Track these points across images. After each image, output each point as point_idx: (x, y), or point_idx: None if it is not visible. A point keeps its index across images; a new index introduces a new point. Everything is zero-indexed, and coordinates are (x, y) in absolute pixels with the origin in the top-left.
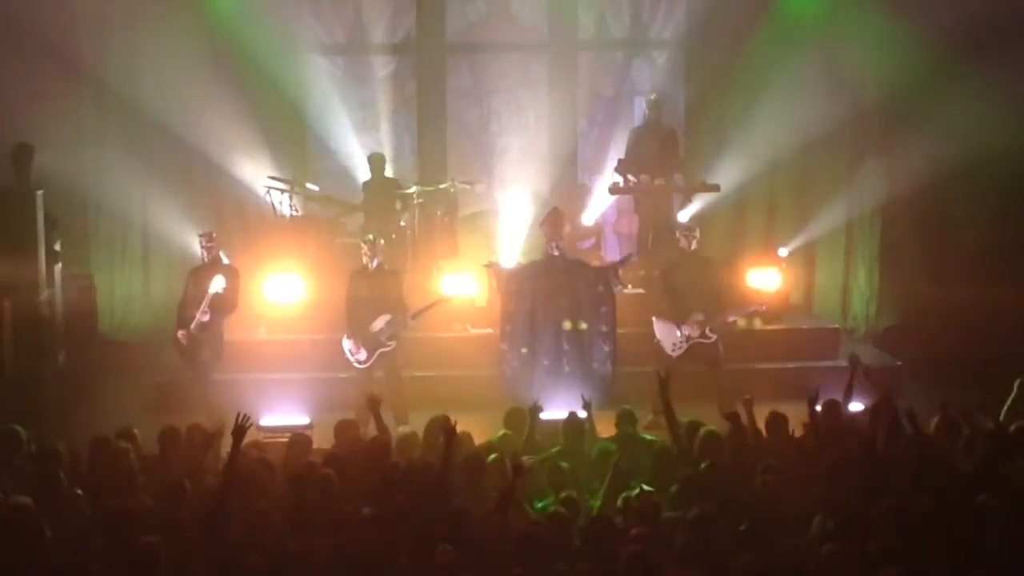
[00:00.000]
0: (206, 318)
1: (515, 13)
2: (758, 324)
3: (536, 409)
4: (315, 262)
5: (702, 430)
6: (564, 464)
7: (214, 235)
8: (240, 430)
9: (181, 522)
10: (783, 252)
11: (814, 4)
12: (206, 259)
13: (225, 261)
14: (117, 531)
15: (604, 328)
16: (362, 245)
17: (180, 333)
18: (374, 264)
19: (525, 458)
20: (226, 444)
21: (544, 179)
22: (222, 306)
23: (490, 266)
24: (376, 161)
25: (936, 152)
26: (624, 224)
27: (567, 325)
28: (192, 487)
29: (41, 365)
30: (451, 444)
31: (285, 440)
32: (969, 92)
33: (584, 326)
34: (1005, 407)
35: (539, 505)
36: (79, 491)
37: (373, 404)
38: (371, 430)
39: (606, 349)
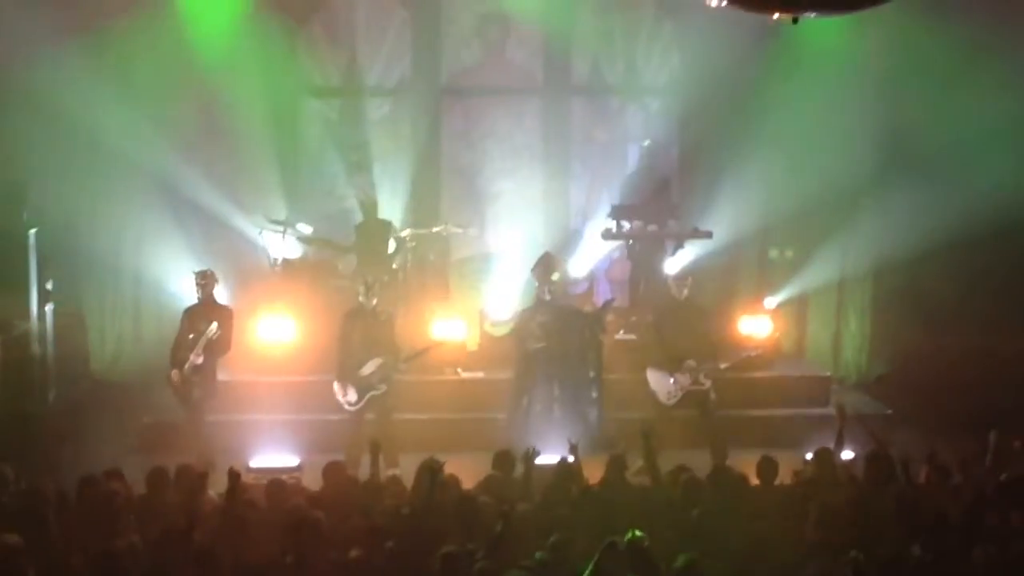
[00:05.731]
0: (200, 360)
1: (510, 58)
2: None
3: (532, 454)
4: (308, 304)
5: (683, 476)
6: (552, 510)
7: (208, 274)
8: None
9: (169, 565)
10: (770, 303)
11: (808, 54)
12: (200, 298)
13: (220, 301)
14: (102, 573)
15: (591, 374)
16: (360, 286)
17: (173, 373)
18: (372, 303)
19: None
20: (215, 485)
21: (537, 224)
22: (216, 348)
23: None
24: (369, 204)
25: (930, 205)
26: (617, 270)
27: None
28: (181, 529)
29: (31, 403)
30: (435, 484)
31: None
32: (964, 146)
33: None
34: (987, 458)
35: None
36: (66, 530)
37: (375, 448)
38: (363, 473)
39: (593, 395)
